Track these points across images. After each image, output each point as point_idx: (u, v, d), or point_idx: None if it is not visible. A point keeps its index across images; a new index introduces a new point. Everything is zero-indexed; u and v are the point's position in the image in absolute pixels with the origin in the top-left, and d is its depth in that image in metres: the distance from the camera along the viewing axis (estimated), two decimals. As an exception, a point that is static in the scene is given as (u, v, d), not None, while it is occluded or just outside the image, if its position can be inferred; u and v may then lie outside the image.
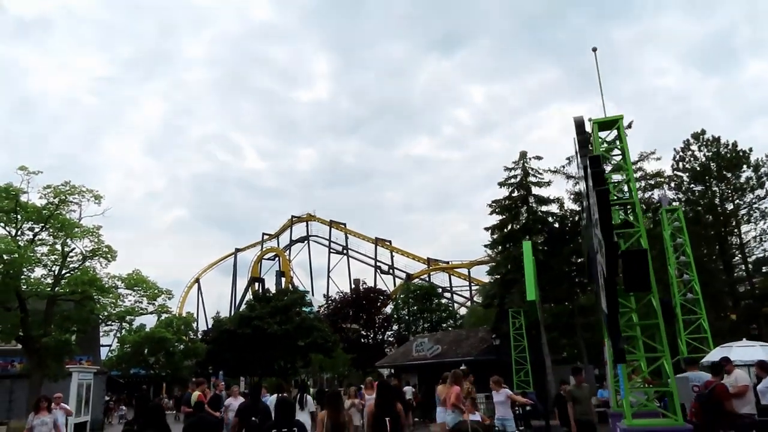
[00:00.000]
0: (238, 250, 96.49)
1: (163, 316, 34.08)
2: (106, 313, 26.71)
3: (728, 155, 28.08)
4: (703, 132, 29.02)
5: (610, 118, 10.90)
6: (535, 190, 28.46)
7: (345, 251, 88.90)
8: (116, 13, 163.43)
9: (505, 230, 28.57)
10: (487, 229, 29.51)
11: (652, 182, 26.87)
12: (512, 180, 28.84)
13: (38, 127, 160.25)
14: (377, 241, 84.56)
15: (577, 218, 27.64)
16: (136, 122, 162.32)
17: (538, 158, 28.69)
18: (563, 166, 27.92)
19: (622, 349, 8.77)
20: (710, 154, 28.65)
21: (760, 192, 28.04)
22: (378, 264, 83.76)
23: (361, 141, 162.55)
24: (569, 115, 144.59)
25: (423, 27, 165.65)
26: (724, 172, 28.19)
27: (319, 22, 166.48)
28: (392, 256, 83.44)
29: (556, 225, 28.47)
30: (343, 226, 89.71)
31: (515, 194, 28.80)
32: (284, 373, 41.63)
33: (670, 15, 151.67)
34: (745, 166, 28.28)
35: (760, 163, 28.04)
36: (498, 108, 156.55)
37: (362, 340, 47.04)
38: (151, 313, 28.51)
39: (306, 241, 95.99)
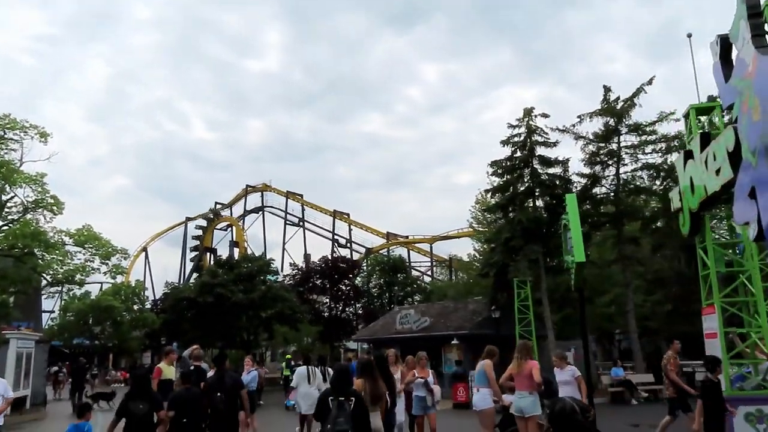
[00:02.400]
0: (188, 219, 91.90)
1: (118, 278, 30.27)
2: (51, 272, 23.03)
3: None
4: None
5: (709, 104, 10.58)
6: (540, 151, 26.04)
7: (301, 223, 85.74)
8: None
9: (508, 192, 26.06)
10: (487, 191, 27.04)
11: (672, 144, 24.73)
12: (516, 138, 26.31)
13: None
14: (335, 214, 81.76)
15: (587, 182, 25.41)
16: (78, 86, 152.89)
17: (545, 116, 26.23)
18: (573, 125, 25.57)
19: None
20: None
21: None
22: (335, 237, 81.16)
23: (314, 115, 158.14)
24: (520, 98, 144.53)
25: (379, 1, 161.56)
26: None
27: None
28: (350, 230, 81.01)
29: (559, 191, 26.14)
30: (299, 197, 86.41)
31: (518, 154, 26.32)
32: (247, 345, 38.42)
33: (621, 2, 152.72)
34: None
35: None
36: (451, 87, 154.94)
37: (332, 313, 44.10)
38: (104, 273, 24.91)
39: (261, 212, 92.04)
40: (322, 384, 11.37)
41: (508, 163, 26.33)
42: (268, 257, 43.65)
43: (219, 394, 8.57)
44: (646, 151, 24.31)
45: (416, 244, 75.78)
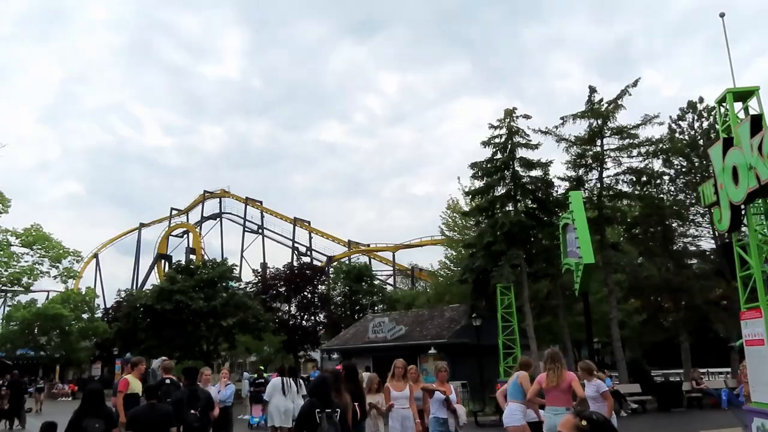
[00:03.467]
0: (143, 225, 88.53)
1: (69, 283, 28.02)
2: (-6, 275, 20.92)
3: None
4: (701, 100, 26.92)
5: (747, 88, 9.70)
6: (522, 152, 25.18)
7: (260, 231, 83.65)
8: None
9: (489, 195, 25.09)
10: (467, 194, 26.01)
11: (651, 149, 24.23)
12: (497, 140, 25.41)
13: None
14: (296, 222, 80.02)
15: (570, 185, 24.64)
16: (27, 86, 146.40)
17: (527, 117, 25.38)
18: (556, 127, 24.84)
19: None
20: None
21: None
22: (296, 245, 79.38)
23: (271, 123, 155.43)
24: (477, 111, 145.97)
25: (339, 9, 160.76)
26: None
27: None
28: (311, 238, 79.42)
29: (540, 194, 25.35)
30: (259, 204, 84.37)
31: (498, 156, 25.41)
32: (207, 355, 36.36)
33: (575, 20, 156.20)
34: None
35: None
36: (409, 98, 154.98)
37: (296, 321, 42.32)
38: (55, 277, 22.84)
39: (218, 219, 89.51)
40: (296, 396, 10.99)
41: (489, 165, 25.39)
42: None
43: (192, 411, 7.70)
44: (632, 155, 23.71)
45: (378, 253, 74.61)
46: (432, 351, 24.59)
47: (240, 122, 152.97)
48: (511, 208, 24.92)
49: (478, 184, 26.00)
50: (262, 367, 20.38)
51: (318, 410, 5.37)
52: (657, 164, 26.31)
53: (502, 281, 22.32)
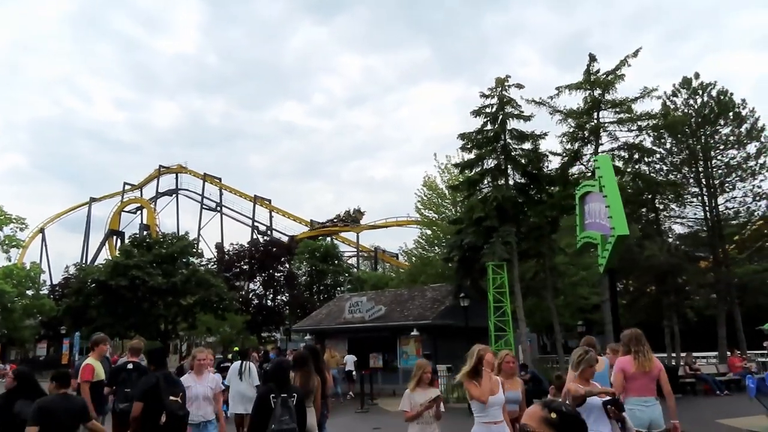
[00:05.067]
0: (93, 200, 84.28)
1: (12, 254, 25.30)
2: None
3: None
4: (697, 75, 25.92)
5: None
6: (513, 124, 23.68)
7: (219, 208, 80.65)
8: None
9: (480, 168, 23.53)
10: (456, 165, 24.41)
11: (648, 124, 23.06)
12: (488, 110, 23.84)
13: None
14: (256, 200, 77.35)
15: (564, 160, 23.30)
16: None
17: (519, 86, 23.80)
18: (551, 98, 23.38)
19: None
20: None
21: None
22: (256, 224, 76.85)
23: (228, 100, 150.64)
24: (439, 95, 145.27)
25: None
26: None
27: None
28: (271, 217, 76.88)
29: (531, 168, 23.93)
30: (218, 180, 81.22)
31: (488, 127, 23.87)
32: (164, 335, 34.02)
33: (536, 9, 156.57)
34: None
35: None
36: (369, 81, 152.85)
37: (261, 301, 40.18)
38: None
39: (175, 195, 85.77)
40: (257, 380, 10.01)
41: (479, 137, 23.80)
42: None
43: (173, 397, 6.34)
44: (633, 128, 22.48)
45: (342, 234, 72.70)
46: (414, 333, 23.03)
47: (195, 99, 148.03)
48: (502, 182, 23.46)
49: (466, 156, 24.46)
50: (237, 348, 18.38)
51: (273, 396, 5.19)
52: (647, 142, 25.33)
53: (495, 259, 20.84)
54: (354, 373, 22.08)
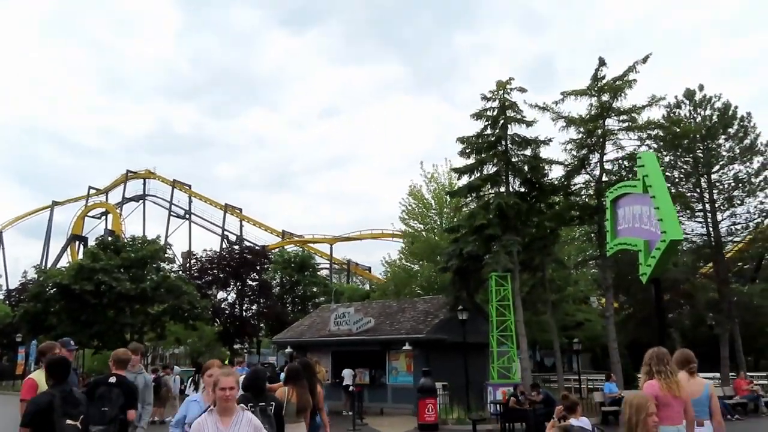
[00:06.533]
0: (55, 204, 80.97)
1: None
2: None
3: None
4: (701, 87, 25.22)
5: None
6: (515, 129, 22.55)
7: (188, 216, 78.27)
8: None
9: (480, 174, 22.29)
10: (455, 170, 23.14)
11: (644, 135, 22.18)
12: (489, 113, 22.71)
13: None
14: (227, 208, 75.35)
15: (569, 169, 22.25)
16: None
17: (522, 90, 22.75)
18: (555, 103, 22.36)
19: None
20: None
21: None
22: (226, 233, 74.74)
23: (198, 108, 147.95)
24: (410, 111, 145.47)
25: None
26: None
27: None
28: (242, 226, 74.96)
29: (532, 175, 22.80)
30: (188, 187, 78.81)
31: (488, 132, 22.73)
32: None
33: (506, 30, 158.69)
34: None
35: None
36: (342, 94, 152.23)
37: (233, 310, 38.12)
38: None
39: (142, 201, 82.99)
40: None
41: (479, 141, 22.61)
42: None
43: (70, 421, 5.22)
44: (641, 137, 21.58)
45: (314, 245, 70.94)
46: (407, 347, 21.47)
47: (164, 105, 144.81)
48: (503, 190, 22.28)
49: (464, 162, 23.22)
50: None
51: (251, 404, 4.99)
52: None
53: (498, 269, 19.54)
54: (352, 388, 20.45)
